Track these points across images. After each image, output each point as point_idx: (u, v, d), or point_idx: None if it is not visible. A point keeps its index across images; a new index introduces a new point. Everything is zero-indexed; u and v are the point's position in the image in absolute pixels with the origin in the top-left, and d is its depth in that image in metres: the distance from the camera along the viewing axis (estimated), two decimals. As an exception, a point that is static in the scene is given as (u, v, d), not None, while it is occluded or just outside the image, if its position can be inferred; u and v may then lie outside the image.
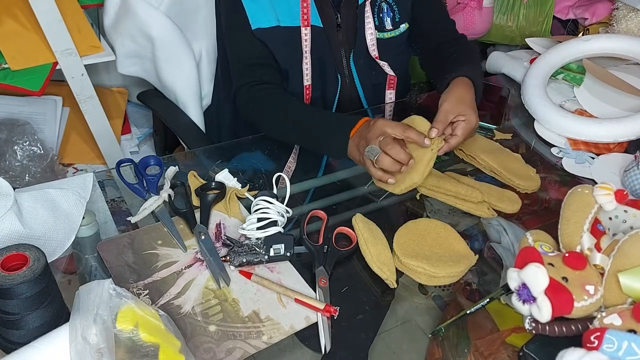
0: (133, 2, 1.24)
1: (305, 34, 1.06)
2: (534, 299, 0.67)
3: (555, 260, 0.71)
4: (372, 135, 0.87)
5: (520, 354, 0.67)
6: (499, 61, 1.39)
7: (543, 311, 0.66)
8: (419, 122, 0.95)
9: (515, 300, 0.69)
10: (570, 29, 1.63)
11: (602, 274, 0.71)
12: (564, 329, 0.67)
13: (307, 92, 1.12)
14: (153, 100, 1.40)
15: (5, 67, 1.21)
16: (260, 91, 1.07)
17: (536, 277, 0.67)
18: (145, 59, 1.35)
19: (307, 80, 1.11)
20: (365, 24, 1.11)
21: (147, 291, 0.73)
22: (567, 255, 0.71)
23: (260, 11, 1.05)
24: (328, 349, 0.68)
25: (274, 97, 1.07)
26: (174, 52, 1.30)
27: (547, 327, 0.68)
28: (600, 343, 0.61)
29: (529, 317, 0.68)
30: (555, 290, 0.66)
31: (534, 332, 0.68)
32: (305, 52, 1.08)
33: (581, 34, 1.54)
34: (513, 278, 0.70)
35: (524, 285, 0.68)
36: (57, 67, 1.25)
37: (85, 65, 1.27)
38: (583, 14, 1.54)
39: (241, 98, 1.10)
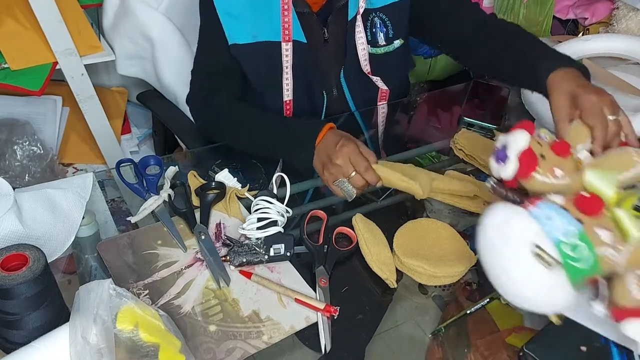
0: (132, 3, 1.24)
1: (286, 49, 1.03)
2: (507, 159, 0.70)
3: (546, 151, 0.72)
4: (341, 163, 0.83)
5: (520, 354, 0.67)
6: (499, 61, 1.38)
7: (508, 167, 0.69)
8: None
9: (492, 161, 0.72)
10: (570, 28, 1.63)
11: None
12: (515, 196, 0.70)
13: (288, 107, 1.09)
14: (152, 100, 1.40)
15: (5, 67, 1.21)
16: (217, 100, 1.05)
17: (516, 139, 0.70)
18: (144, 60, 1.35)
19: (287, 96, 1.08)
20: (357, 38, 1.06)
21: (147, 291, 0.73)
22: (556, 141, 0.73)
23: (237, 26, 1.02)
24: (328, 348, 0.68)
25: (233, 106, 1.04)
26: (173, 53, 1.31)
27: (504, 191, 0.71)
28: (534, 206, 0.64)
29: (493, 178, 0.72)
30: (528, 157, 0.69)
31: (491, 191, 0.72)
32: (286, 68, 1.04)
33: (581, 33, 1.54)
34: (499, 140, 0.72)
35: (504, 147, 0.70)
36: (57, 67, 1.25)
37: (85, 65, 1.27)
38: (583, 14, 1.54)
39: (195, 105, 1.08)
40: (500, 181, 0.73)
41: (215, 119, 1.05)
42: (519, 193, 0.71)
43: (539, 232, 0.61)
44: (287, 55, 1.03)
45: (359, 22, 1.05)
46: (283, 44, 1.02)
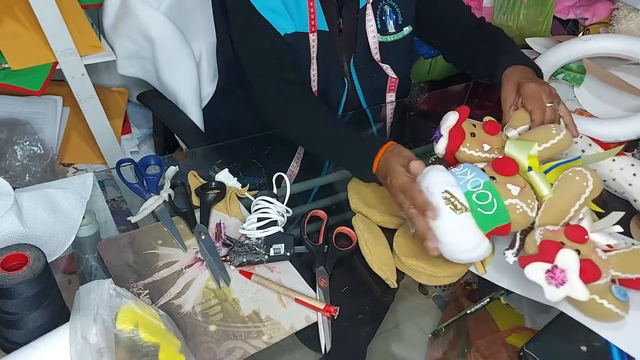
0: (132, 3, 1.24)
1: (313, 39, 1.04)
2: (441, 137, 0.84)
3: (479, 130, 0.85)
4: (394, 195, 0.78)
5: (521, 354, 0.67)
6: (499, 61, 1.39)
7: (440, 142, 0.84)
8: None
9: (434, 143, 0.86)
10: (571, 29, 1.63)
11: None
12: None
13: None
14: (153, 101, 1.40)
15: (5, 67, 1.21)
16: (287, 90, 1.01)
17: (447, 118, 0.84)
18: (145, 60, 1.35)
19: (314, 87, 1.09)
20: (367, 27, 1.08)
21: (147, 291, 0.73)
22: (487, 121, 0.86)
23: (279, 18, 1.01)
24: (328, 348, 0.68)
25: (303, 101, 1.00)
26: (174, 53, 1.30)
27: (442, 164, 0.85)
28: (456, 167, 0.76)
29: (434, 156, 0.89)
30: (455, 132, 0.83)
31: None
32: (313, 58, 1.06)
33: (581, 34, 1.54)
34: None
35: (439, 127, 0.85)
36: (57, 67, 1.25)
37: (85, 65, 1.27)
38: (583, 14, 1.53)
39: (266, 95, 1.02)
40: (441, 160, 0.87)
41: (284, 114, 1.00)
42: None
43: (451, 182, 0.71)
44: (313, 46, 1.05)
45: (369, 11, 1.08)
46: (310, 35, 1.04)
